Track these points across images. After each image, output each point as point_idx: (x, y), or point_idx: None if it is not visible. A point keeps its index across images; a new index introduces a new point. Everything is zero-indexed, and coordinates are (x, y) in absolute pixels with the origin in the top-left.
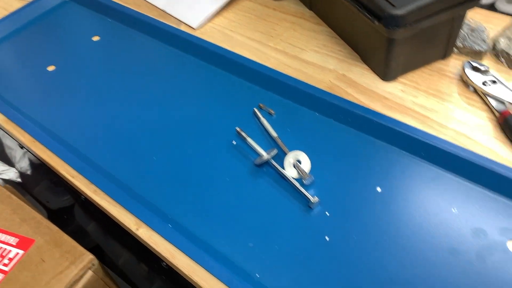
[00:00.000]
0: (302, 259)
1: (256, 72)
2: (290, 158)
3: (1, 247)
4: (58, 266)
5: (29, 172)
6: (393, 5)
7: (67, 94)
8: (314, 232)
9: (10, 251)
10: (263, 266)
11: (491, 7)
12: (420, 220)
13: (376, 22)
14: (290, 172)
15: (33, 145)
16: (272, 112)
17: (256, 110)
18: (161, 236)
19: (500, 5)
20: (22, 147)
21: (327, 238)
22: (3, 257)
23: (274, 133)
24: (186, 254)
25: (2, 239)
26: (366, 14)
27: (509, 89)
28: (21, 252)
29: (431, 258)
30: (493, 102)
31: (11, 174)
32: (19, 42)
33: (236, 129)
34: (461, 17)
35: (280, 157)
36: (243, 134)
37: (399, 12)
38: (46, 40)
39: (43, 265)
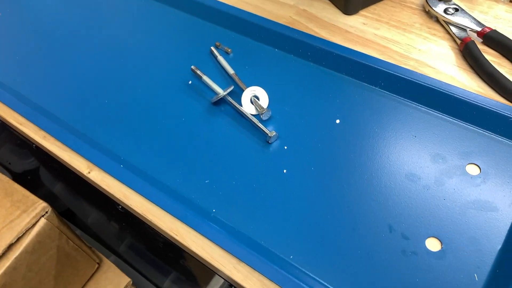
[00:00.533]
0: (259, 193)
1: (212, 9)
2: (247, 94)
3: None
4: (9, 216)
5: None
6: None
7: (14, 41)
8: (272, 166)
9: None
10: (219, 201)
11: None
12: (379, 148)
13: None
14: (247, 108)
15: None
16: (229, 50)
17: (212, 48)
18: (113, 177)
19: None
20: None
21: (284, 171)
22: None
23: (231, 70)
24: (139, 193)
25: None
26: None
27: (471, 16)
28: None
29: (389, 184)
30: (454, 30)
31: None
32: None
33: (191, 68)
34: None
35: (237, 94)
36: (198, 72)
37: None
38: None
39: None
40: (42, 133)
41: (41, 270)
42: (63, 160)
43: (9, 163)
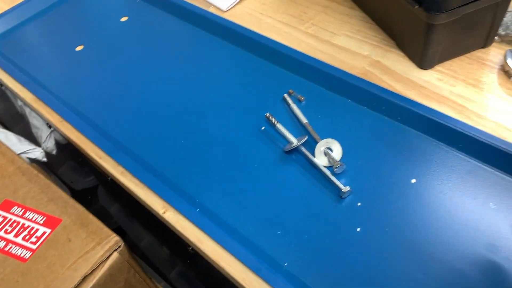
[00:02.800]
0: (332, 250)
1: (286, 56)
2: (321, 145)
3: (29, 226)
4: (84, 246)
5: (54, 152)
6: None
7: (95, 74)
8: (345, 223)
9: (37, 229)
10: (291, 255)
11: None
12: (456, 214)
13: (416, 6)
14: (320, 160)
15: (61, 125)
16: (302, 98)
17: (286, 96)
18: (189, 220)
19: None
20: (50, 126)
21: (358, 229)
22: (31, 235)
23: (304, 120)
24: (214, 240)
25: (30, 217)
26: None
27: None
28: (48, 230)
29: (467, 253)
30: None
31: (37, 153)
32: (48, 21)
33: (265, 115)
34: (506, 2)
35: (310, 144)
36: (273, 120)
37: None
38: (75, 20)
39: (69, 245)
40: (121, 168)
41: None
42: (139, 198)
43: (72, 182)
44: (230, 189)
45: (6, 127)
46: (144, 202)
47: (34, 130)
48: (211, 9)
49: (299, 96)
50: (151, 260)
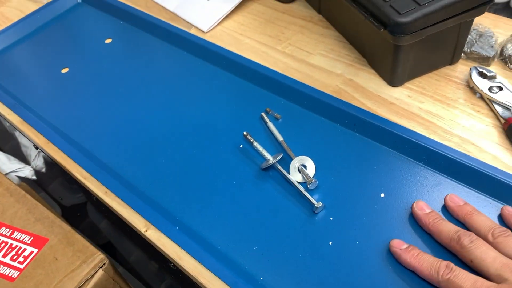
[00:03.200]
0: (306, 264)
1: (264, 76)
2: (295, 162)
3: (17, 246)
4: (70, 265)
5: (43, 170)
6: (398, 13)
7: (80, 96)
8: (318, 237)
9: (25, 249)
10: (267, 269)
11: (506, 7)
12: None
13: (382, 29)
14: (295, 177)
15: (47, 147)
16: (278, 116)
17: (263, 114)
18: (169, 238)
19: None
20: (37, 147)
21: (330, 243)
22: (18, 255)
23: (280, 137)
24: (193, 256)
25: (18, 237)
26: (372, 21)
27: None
28: (35, 250)
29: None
30: (498, 109)
31: (27, 172)
32: (34, 44)
33: (243, 134)
34: (469, 23)
35: (286, 161)
36: (250, 138)
37: (404, 19)
38: (60, 42)
39: (56, 264)
40: (104, 188)
41: None
42: (122, 216)
43: (61, 199)
44: (209, 207)
45: None
46: (127, 220)
47: (23, 149)
48: (193, 31)
49: (275, 114)
50: (140, 274)
